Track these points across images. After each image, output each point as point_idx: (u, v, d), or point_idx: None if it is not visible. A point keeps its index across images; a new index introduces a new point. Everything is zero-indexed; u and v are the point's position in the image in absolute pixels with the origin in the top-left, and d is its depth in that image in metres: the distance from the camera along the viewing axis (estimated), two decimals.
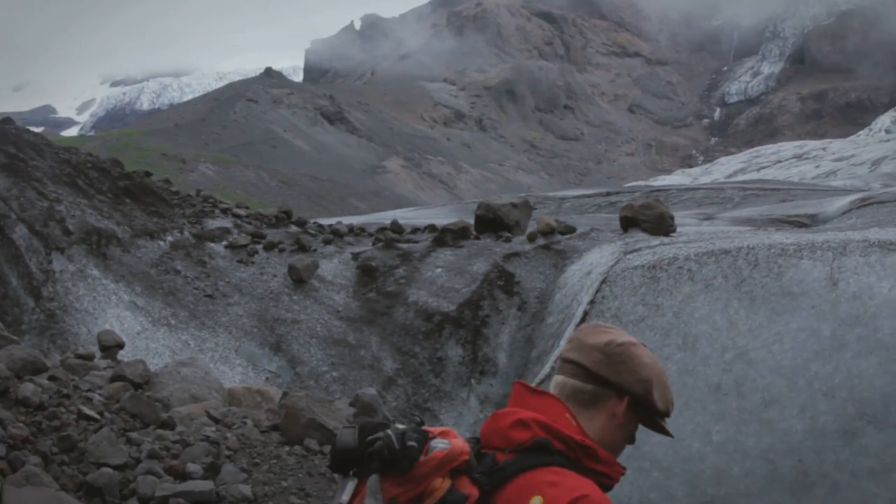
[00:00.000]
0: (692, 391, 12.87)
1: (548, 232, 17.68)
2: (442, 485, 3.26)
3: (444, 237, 17.74)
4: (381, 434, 3.29)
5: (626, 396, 3.48)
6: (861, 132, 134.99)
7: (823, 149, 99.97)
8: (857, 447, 12.13)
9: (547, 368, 13.41)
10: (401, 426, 3.34)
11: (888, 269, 13.03)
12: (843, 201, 24.37)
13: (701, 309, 13.28)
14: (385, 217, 24.46)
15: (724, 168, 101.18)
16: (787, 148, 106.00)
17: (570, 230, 17.87)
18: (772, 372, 12.71)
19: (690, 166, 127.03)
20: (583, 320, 13.63)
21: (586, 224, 20.03)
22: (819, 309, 12.85)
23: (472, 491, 3.27)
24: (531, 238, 17.66)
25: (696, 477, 12.49)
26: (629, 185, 73.66)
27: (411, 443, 3.25)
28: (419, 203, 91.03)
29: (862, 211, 23.07)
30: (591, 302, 13.86)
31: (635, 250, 15.10)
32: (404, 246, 17.63)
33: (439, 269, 16.90)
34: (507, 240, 17.70)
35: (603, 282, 14.11)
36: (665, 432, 3.57)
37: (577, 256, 16.61)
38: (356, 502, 3.32)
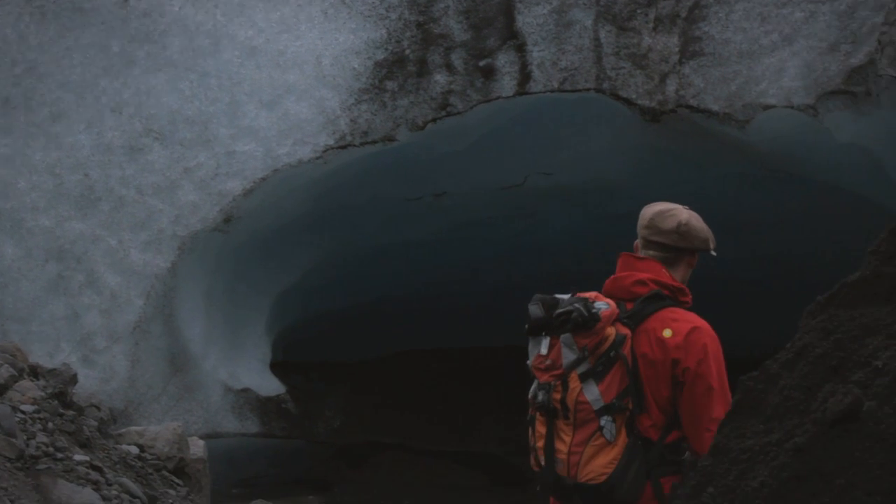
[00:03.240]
0: None
1: None
2: (611, 331, 5.23)
3: None
4: (570, 307, 5.20)
5: (697, 252, 5.60)
6: None
7: None
8: (143, 163, 13.09)
9: None
10: (564, 297, 5.34)
11: None
12: None
13: None
14: None
15: None
16: None
17: None
18: (60, 87, 13.34)
19: None
20: None
21: None
22: (109, 25, 13.48)
23: (626, 331, 5.30)
24: None
25: None
26: None
27: (594, 310, 5.19)
28: None
29: None
30: None
31: None
32: None
33: None
34: None
35: None
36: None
37: None
38: (553, 353, 5.28)
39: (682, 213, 5.58)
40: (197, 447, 8.91)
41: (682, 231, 5.52)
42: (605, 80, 13.02)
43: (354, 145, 13.12)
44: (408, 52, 13.25)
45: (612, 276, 5.58)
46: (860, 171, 12.53)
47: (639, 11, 13.10)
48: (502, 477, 16.34)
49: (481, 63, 13.17)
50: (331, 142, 13.09)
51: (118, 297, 12.91)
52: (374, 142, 13.15)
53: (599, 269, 16.16)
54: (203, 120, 13.18)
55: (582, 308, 5.21)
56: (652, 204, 5.72)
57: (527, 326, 5.40)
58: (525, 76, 13.13)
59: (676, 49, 12.86)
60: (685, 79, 12.79)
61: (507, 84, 13.13)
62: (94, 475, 6.60)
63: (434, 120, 13.18)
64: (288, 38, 13.37)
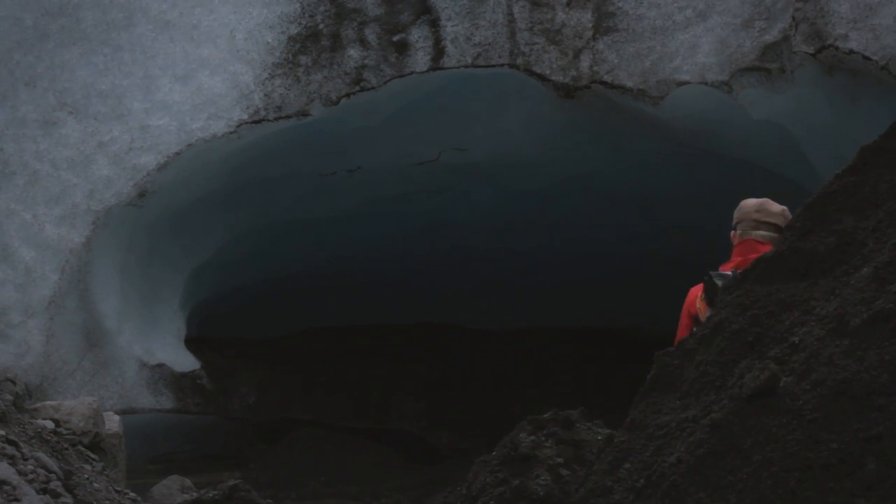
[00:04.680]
0: None
1: None
2: None
3: None
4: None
5: None
6: None
7: None
8: (57, 137, 12.85)
9: None
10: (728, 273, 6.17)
11: None
12: None
13: None
14: None
15: None
16: None
17: None
18: None
19: None
20: None
21: None
22: None
23: None
24: None
25: None
26: None
27: None
28: None
29: None
30: None
31: None
32: None
33: None
34: None
35: None
36: None
37: None
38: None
39: (779, 204, 6.70)
40: (112, 422, 8.80)
41: (785, 215, 6.59)
42: (519, 56, 12.94)
43: (268, 120, 12.97)
44: (321, 26, 13.09)
45: (741, 259, 6.44)
46: (774, 147, 12.57)
47: None
48: (417, 454, 16.32)
49: (395, 38, 13.04)
50: (245, 116, 12.93)
51: (33, 272, 12.68)
52: (288, 116, 13.00)
53: (512, 246, 16.37)
54: (117, 94, 12.97)
55: None
56: (746, 200, 6.74)
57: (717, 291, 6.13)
58: (439, 51, 13.02)
59: (590, 25, 12.78)
60: (599, 55, 12.73)
61: (420, 59, 13.03)
62: (10, 449, 6.47)
63: (348, 95, 13.04)
64: (201, 11, 13.15)
